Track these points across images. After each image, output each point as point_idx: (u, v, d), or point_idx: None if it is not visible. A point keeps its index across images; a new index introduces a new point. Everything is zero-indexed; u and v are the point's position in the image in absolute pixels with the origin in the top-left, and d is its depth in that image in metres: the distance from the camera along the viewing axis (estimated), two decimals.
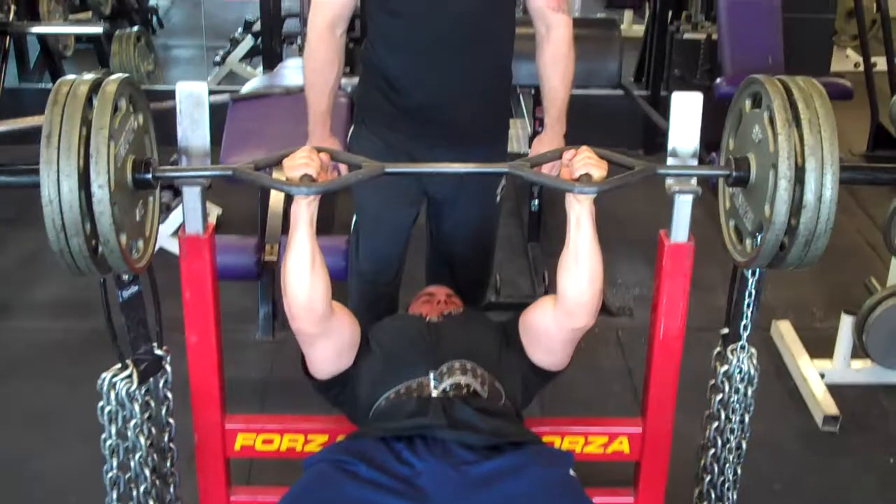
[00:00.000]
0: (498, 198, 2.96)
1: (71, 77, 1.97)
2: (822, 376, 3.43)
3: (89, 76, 1.96)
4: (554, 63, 2.77)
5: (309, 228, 2.10)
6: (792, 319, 3.76)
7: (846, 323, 3.41)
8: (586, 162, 2.09)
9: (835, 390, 3.37)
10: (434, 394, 2.25)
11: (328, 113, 2.77)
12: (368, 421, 2.27)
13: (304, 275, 2.11)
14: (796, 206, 1.96)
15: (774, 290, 3.91)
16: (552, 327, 2.29)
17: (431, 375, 2.28)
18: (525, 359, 2.37)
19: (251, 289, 3.75)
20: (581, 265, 2.17)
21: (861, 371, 3.49)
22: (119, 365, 2.18)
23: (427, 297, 2.71)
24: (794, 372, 3.52)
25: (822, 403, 3.31)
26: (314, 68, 2.71)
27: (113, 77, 1.97)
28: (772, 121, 1.99)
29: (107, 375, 2.17)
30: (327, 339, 2.25)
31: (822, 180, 1.94)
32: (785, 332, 3.67)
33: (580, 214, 2.14)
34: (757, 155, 2.07)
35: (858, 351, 3.40)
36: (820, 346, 3.56)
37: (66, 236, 1.88)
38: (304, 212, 2.10)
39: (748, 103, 2.14)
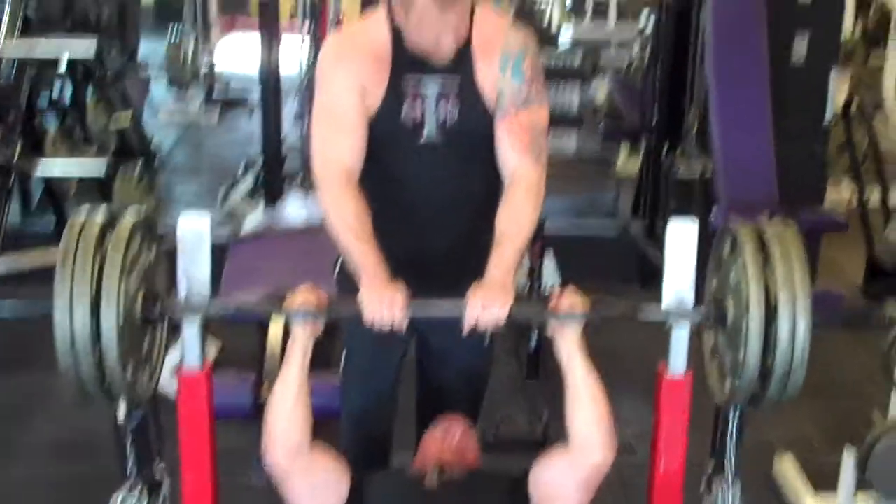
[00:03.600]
0: (487, 340, 2.93)
1: (84, 212, 2.03)
2: None
3: (103, 212, 2.03)
4: (507, 206, 2.54)
5: (301, 360, 2.18)
6: (794, 454, 3.72)
7: (849, 457, 3.37)
8: (569, 298, 2.20)
9: None
10: None
11: (381, 263, 2.45)
12: None
13: (285, 405, 2.19)
14: (771, 345, 2.02)
15: (775, 426, 3.87)
16: (567, 472, 2.27)
17: None
18: None
19: (248, 428, 3.70)
20: (584, 400, 2.18)
21: None
22: (126, 489, 2.23)
23: (441, 434, 2.60)
24: None
25: None
26: (344, 228, 2.49)
27: (127, 217, 2.04)
28: (745, 269, 2.06)
29: (118, 495, 2.23)
30: (301, 477, 2.25)
31: (795, 319, 2.03)
32: (787, 469, 3.63)
33: (569, 349, 2.18)
34: (734, 299, 2.14)
35: (863, 485, 3.35)
36: (823, 481, 3.51)
37: (76, 358, 1.95)
38: (299, 345, 2.15)
39: (727, 247, 2.21)
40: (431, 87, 2.54)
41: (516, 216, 2.53)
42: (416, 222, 2.68)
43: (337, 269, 2.78)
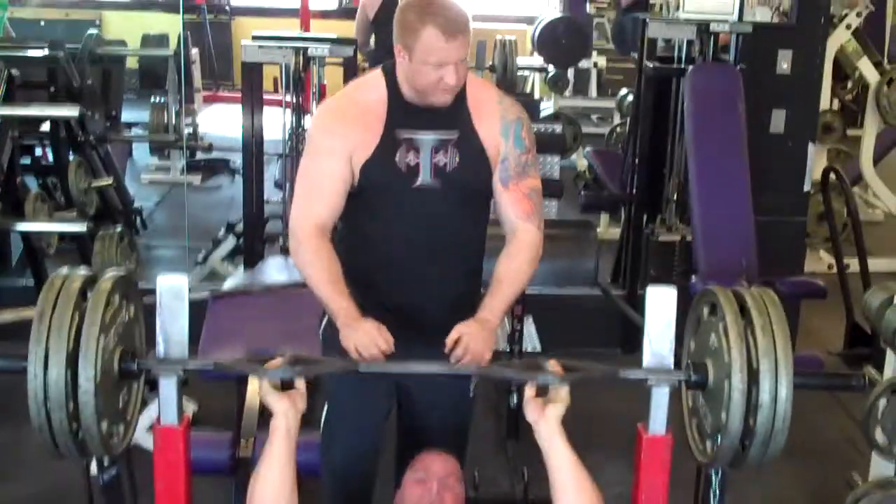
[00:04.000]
0: (471, 393, 2.97)
1: (65, 270, 2.04)
2: None
3: (83, 271, 2.04)
4: (507, 256, 2.75)
5: (285, 441, 2.17)
6: None
7: None
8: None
9: None
10: None
11: (353, 305, 2.62)
12: None
13: (272, 485, 2.22)
14: (753, 407, 2.03)
15: (755, 488, 3.87)
16: None
17: None
18: None
19: (225, 485, 3.67)
20: (569, 491, 2.19)
21: None
22: None
23: (420, 477, 2.57)
24: None
25: None
26: (318, 274, 2.66)
27: (108, 275, 2.04)
28: (726, 333, 2.07)
29: None
30: None
31: (777, 382, 2.05)
32: None
33: (549, 435, 2.20)
34: (714, 361, 2.16)
35: None
36: None
37: (48, 411, 1.93)
38: (282, 423, 2.16)
39: (706, 310, 2.22)
40: (427, 137, 2.68)
41: (516, 266, 2.74)
42: (407, 264, 2.77)
43: (323, 324, 2.86)
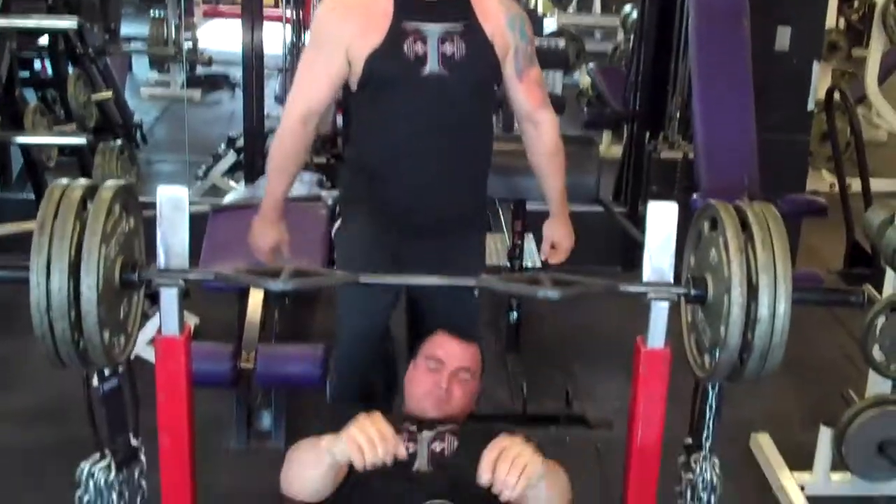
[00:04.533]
0: (476, 291, 3.10)
1: (64, 181, 2.03)
2: (803, 489, 3.41)
3: (83, 181, 2.03)
4: (549, 157, 3.05)
5: (333, 468, 2.26)
6: (771, 432, 3.75)
7: (825, 435, 3.40)
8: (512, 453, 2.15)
9: (816, 503, 3.34)
10: None
11: (283, 198, 2.98)
12: None
13: (319, 477, 2.29)
14: (751, 322, 2.03)
15: (753, 402, 3.90)
16: None
17: None
18: None
19: (225, 397, 3.71)
20: None
21: (841, 483, 3.47)
22: (98, 454, 2.19)
23: (435, 364, 2.67)
24: (774, 484, 3.50)
25: None
26: (282, 154, 2.94)
27: (109, 184, 2.03)
28: (726, 247, 2.06)
29: (86, 465, 2.19)
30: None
31: (776, 297, 2.03)
32: (764, 446, 3.66)
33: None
34: (713, 276, 2.15)
35: (839, 463, 3.38)
36: (800, 459, 3.55)
37: (51, 320, 1.92)
38: (341, 458, 2.20)
39: (706, 225, 2.21)
40: (433, 28, 2.78)
41: (561, 164, 3.09)
42: (414, 158, 2.87)
43: (336, 225, 3.19)
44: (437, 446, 2.49)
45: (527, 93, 2.96)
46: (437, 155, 2.86)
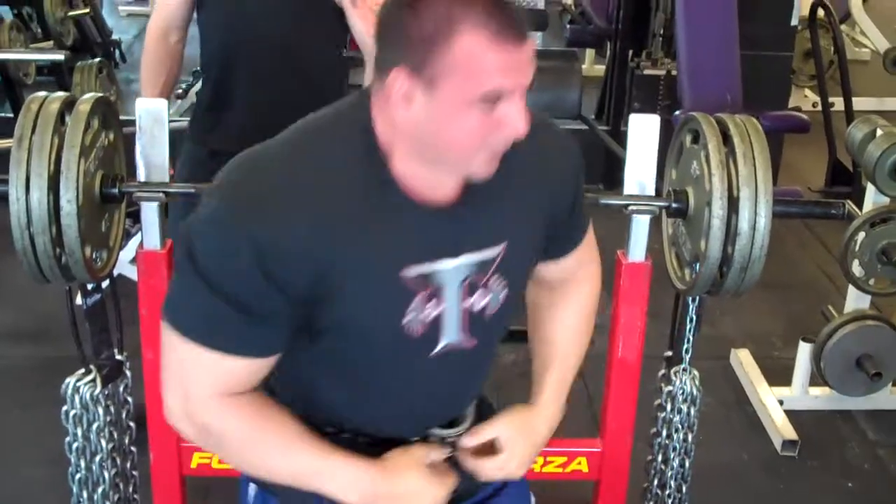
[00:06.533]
0: None
1: (42, 94, 2.01)
2: (781, 403, 3.45)
3: (61, 94, 2.01)
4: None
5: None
6: (751, 348, 3.79)
7: (804, 350, 3.44)
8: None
9: (793, 416, 3.40)
10: None
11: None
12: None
13: (268, 462, 1.51)
14: (732, 235, 2.04)
15: (734, 320, 3.95)
16: None
17: None
18: None
19: None
20: None
21: (819, 398, 3.52)
22: (83, 370, 2.21)
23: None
24: (753, 399, 3.55)
25: (781, 429, 3.33)
26: (146, 68, 2.82)
27: (87, 96, 2.01)
28: (707, 160, 2.06)
29: (71, 380, 2.23)
30: None
31: (756, 210, 2.05)
32: (744, 361, 3.69)
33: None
34: (695, 189, 2.15)
35: (817, 378, 3.43)
36: (779, 374, 3.59)
37: (31, 235, 1.93)
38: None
39: (688, 138, 2.21)
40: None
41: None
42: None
43: None
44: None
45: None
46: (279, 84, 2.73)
